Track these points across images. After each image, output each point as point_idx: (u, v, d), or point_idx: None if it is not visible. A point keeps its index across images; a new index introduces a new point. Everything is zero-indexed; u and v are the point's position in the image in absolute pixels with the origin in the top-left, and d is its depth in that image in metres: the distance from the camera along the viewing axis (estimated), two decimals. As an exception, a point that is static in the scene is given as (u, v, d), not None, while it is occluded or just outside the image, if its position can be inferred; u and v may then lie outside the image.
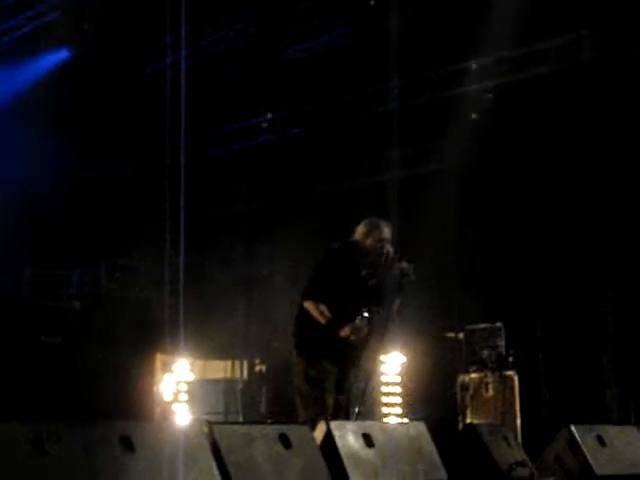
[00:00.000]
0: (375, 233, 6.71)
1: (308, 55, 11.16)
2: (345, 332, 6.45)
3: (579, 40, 10.17)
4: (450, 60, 10.95)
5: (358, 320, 6.48)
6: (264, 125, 12.54)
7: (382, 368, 10.51)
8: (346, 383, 6.61)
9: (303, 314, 6.65)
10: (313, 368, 6.50)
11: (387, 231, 6.74)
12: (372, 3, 10.43)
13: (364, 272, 6.74)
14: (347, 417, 6.47)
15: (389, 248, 6.70)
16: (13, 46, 10.49)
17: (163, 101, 10.39)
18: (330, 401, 6.47)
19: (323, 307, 6.51)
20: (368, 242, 6.70)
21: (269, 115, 12.49)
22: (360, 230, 6.79)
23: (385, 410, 10.52)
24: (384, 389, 10.58)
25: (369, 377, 6.93)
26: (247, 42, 11.16)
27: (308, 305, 6.57)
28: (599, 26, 9.95)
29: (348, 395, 6.62)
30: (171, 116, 7.27)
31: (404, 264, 6.66)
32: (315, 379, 6.48)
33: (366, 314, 6.50)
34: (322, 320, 6.48)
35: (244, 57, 11.49)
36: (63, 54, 10.93)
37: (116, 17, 10.27)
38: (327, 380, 6.49)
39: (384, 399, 10.57)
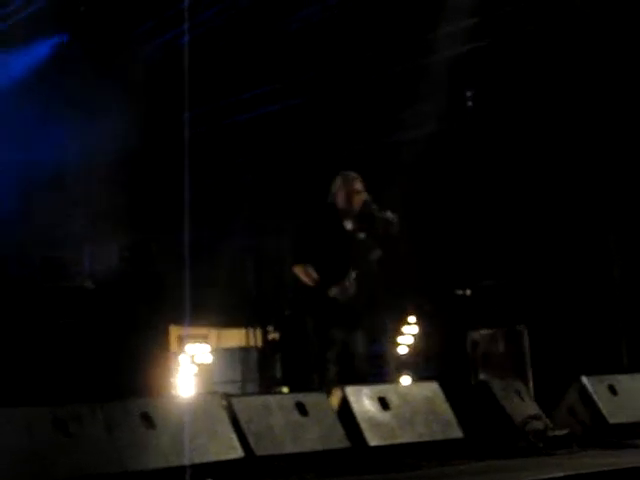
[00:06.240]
0: (345, 186, 6.72)
1: (302, 25, 11.16)
2: (333, 292, 6.47)
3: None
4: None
5: (346, 280, 6.49)
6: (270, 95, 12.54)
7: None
8: (356, 347, 6.64)
9: (298, 281, 6.72)
10: (317, 335, 6.57)
11: (358, 182, 6.73)
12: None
13: (350, 227, 6.75)
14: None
15: (366, 197, 6.70)
16: (10, 32, 10.50)
17: (162, 78, 10.46)
18: (333, 370, 6.52)
19: (311, 270, 6.54)
20: (341, 196, 6.72)
21: (269, 86, 12.49)
22: (332, 188, 6.80)
23: (398, 371, 10.65)
24: (397, 350, 10.71)
25: (369, 340, 6.99)
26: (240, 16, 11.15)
27: (296, 270, 6.62)
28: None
29: (361, 359, 6.66)
30: (175, 91, 7.31)
31: (388, 214, 6.67)
32: (317, 345, 6.56)
33: (354, 274, 6.48)
34: (311, 283, 6.52)
35: (239, 31, 11.48)
36: (60, 37, 10.94)
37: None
38: (330, 350, 6.56)
39: (397, 361, 10.70)
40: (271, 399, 5.44)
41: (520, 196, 10.99)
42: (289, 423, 5.26)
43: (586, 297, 9.98)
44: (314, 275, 6.51)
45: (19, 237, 9.72)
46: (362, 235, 6.73)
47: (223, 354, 10.93)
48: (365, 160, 12.06)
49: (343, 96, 11.92)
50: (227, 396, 5.30)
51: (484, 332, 10.42)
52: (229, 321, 11.78)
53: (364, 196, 6.68)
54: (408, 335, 10.79)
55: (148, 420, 4.79)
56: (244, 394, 9.22)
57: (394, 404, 5.69)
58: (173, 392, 9.47)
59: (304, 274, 6.55)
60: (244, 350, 11.26)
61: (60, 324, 8.78)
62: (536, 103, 10.45)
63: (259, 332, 11.92)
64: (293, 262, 6.65)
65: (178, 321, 10.08)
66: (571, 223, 10.48)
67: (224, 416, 5.07)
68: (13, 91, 10.72)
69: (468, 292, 10.80)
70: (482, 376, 10.07)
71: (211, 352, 10.45)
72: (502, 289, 10.44)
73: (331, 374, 6.48)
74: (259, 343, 11.75)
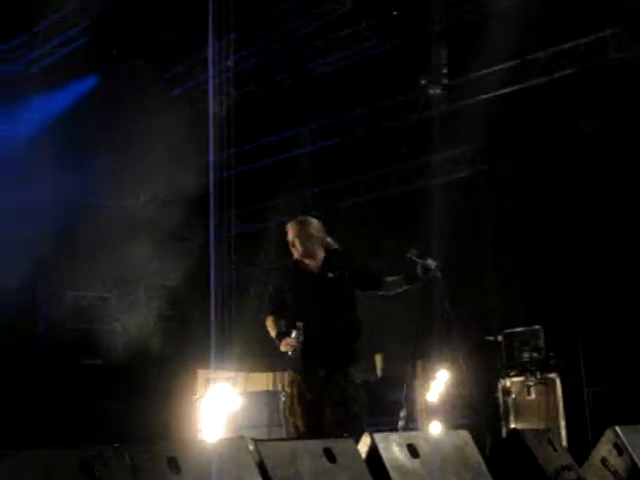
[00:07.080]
0: (289, 235, 6.64)
1: (333, 68, 11.20)
2: (281, 347, 6.44)
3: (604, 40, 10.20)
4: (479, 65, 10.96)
5: (293, 334, 6.39)
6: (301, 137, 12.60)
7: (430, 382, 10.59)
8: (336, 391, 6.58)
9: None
10: (295, 404, 6.61)
11: (297, 227, 6.63)
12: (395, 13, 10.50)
13: (316, 269, 6.63)
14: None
15: (321, 237, 6.63)
16: (42, 74, 10.57)
17: (189, 122, 10.48)
18: (291, 421, 6.62)
19: (275, 322, 6.54)
20: (296, 248, 6.61)
21: (303, 128, 12.55)
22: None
23: (428, 419, 10.54)
24: (427, 398, 10.61)
25: (403, 387, 6.91)
26: (270, 60, 11.21)
27: (266, 323, 6.62)
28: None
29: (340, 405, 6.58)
30: (206, 135, 7.35)
31: (429, 261, 6.58)
32: (291, 398, 6.60)
33: (300, 325, 6.36)
34: (273, 335, 6.53)
35: (269, 74, 11.54)
36: (91, 80, 11.01)
37: (143, 40, 10.38)
38: (299, 403, 6.63)
39: (427, 408, 10.58)
40: (298, 444, 5.34)
41: (546, 240, 10.92)
42: (317, 469, 5.15)
43: (618, 344, 9.85)
44: (276, 327, 6.51)
45: (48, 280, 9.75)
46: (332, 274, 6.63)
47: (250, 398, 10.84)
48: (395, 204, 12.08)
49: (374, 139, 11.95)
50: (254, 441, 5.20)
51: (516, 379, 10.29)
52: (256, 364, 11.72)
53: (310, 236, 6.61)
54: (439, 381, 10.68)
55: (174, 465, 4.72)
56: (271, 439, 9.12)
57: (424, 452, 5.58)
58: (199, 436, 9.39)
59: (270, 327, 6.56)
60: (271, 394, 11.17)
61: (86, 366, 8.78)
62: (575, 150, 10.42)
63: (286, 375, 11.84)
64: (263, 315, 6.67)
65: (205, 364, 10.04)
66: (597, 269, 10.39)
67: (250, 462, 4.98)
68: (49, 135, 10.81)
69: (499, 338, 10.69)
70: (514, 424, 9.93)
71: (238, 396, 10.37)
72: (534, 335, 10.32)
73: (291, 427, 6.50)
74: (286, 386, 11.67)
